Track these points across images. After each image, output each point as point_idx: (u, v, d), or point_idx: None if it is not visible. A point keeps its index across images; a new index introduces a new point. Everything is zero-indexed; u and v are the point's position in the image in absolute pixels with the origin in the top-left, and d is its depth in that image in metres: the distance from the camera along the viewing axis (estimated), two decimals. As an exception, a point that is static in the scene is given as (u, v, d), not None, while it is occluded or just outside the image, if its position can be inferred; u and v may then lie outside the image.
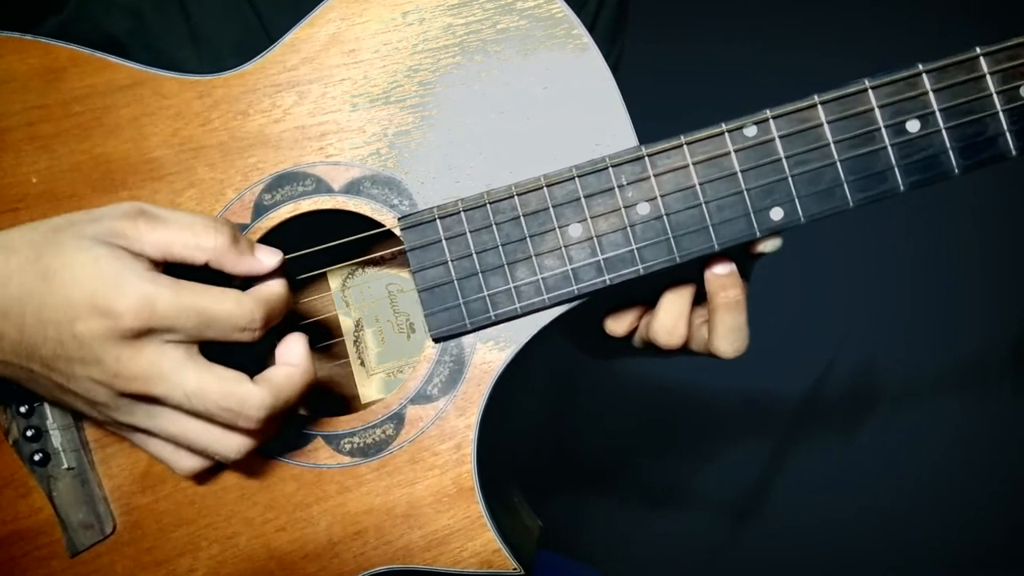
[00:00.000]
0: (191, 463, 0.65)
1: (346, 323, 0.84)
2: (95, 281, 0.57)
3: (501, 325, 0.69)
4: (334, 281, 0.84)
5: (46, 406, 0.70)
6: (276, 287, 0.64)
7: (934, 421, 2.00)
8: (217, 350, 0.62)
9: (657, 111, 0.83)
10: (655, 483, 2.13)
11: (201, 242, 0.60)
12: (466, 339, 0.70)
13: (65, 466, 0.70)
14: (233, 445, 0.62)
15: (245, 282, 0.65)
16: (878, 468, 1.98)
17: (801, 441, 2.08)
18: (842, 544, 1.94)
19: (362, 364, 0.84)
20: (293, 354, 0.64)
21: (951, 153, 0.64)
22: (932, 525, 1.91)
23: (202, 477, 0.70)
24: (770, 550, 1.96)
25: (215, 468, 0.68)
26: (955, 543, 1.89)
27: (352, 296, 0.84)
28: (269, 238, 0.71)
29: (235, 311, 0.60)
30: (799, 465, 2.06)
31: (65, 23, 0.79)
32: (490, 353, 0.69)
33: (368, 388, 0.84)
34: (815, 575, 1.95)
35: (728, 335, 0.70)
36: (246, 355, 0.65)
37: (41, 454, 0.70)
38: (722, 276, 0.68)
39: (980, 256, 2.01)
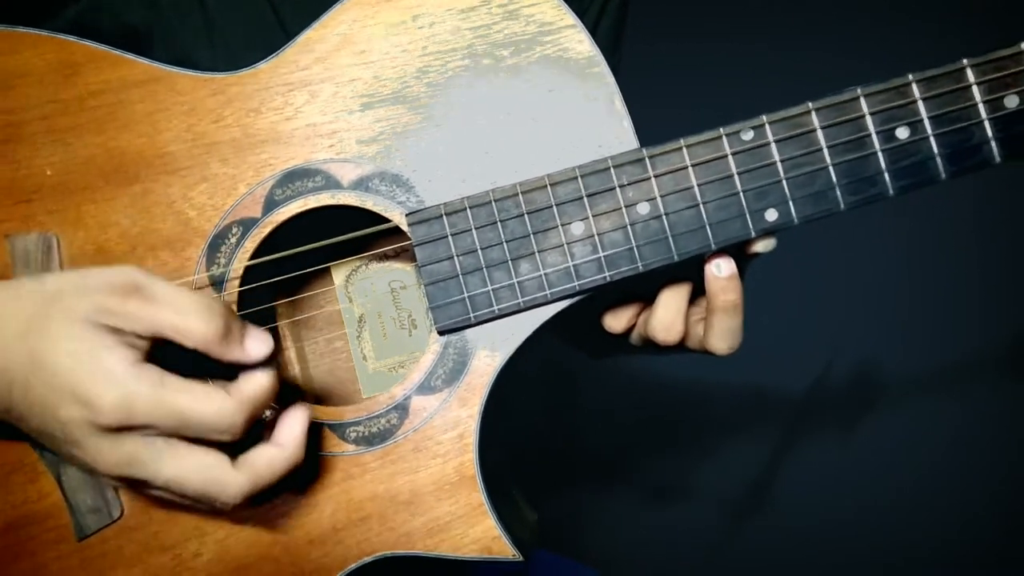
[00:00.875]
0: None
1: (349, 317, 0.86)
2: (78, 371, 0.57)
3: (504, 319, 0.70)
4: (338, 276, 0.85)
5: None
6: (262, 381, 0.61)
7: (934, 420, 1.99)
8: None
9: (657, 114, 0.85)
10: (654, 481, 2.13)
11: (192, 330, 0.59)
12: (469, 332, 0.71)
13: (75, 452, 0.71)
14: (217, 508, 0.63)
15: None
16: (878, 467, 1.97)
17: (801, 440, 2.08)
18: (842, 543, 1.94)
19: (364, 358, 0.85)
20: (287, 435, 0.63)
21: (938, 159, 0.66)
22: (932, 524, 1.90)
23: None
24: (769, 549, 1.96)
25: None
26: (955, 543, 1.89)
27: (355, 291, 0.85)
28: (278, 232, 0.72)
29: (215, 417, 0.59)
30: (799, 464, 2.06)
31: (83, 13, 0.79)
32: (493, 346, 0.71)
33: (369, 382, 0.86)
34: (815, 574, 1.95)
35: (724, 334, 0.72)
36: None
37: (52, 439, 0.71)
38: (722, 279, 0.69)
39: (979, 255, 2.02)
